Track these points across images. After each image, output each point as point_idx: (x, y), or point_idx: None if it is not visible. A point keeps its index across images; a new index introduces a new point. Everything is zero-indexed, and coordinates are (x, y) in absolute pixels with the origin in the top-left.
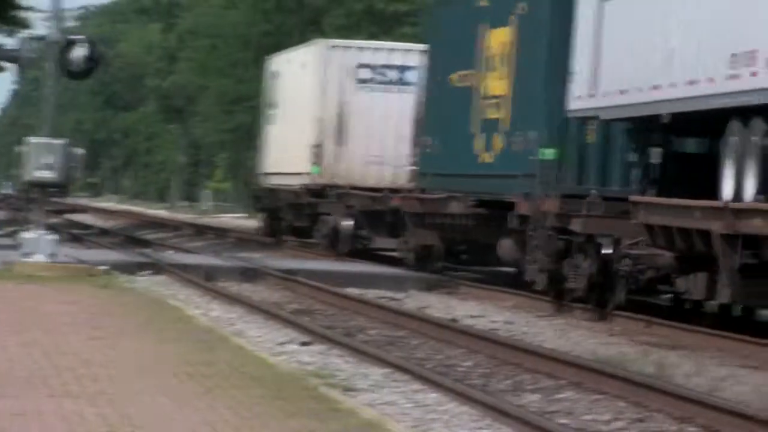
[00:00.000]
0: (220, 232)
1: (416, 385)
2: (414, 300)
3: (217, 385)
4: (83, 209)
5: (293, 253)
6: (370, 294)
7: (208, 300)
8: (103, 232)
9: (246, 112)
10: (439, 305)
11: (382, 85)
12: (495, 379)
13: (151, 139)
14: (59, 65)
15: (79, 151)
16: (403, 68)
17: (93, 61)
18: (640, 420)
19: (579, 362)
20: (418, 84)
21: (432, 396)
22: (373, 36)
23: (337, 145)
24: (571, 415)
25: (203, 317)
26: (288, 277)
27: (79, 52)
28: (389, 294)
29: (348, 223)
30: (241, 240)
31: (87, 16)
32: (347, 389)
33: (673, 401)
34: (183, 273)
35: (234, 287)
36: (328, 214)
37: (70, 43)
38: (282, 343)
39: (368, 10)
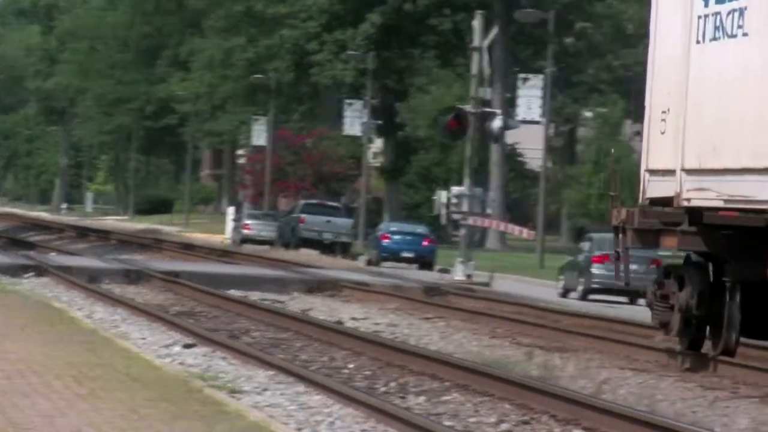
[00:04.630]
0: (103, 234)
1: (301, 387)
2: (297, 302)
3: (102, 387)
4: None
5: (175, 255)
6: (253, 296)
7: (91, 302)
8: None
9: (126, 114)
10: (322, 308)
11: None
12: (380, 381)
13: (32, 141)
14: None
15: None
16: None
17: None
18: (526, 422)
19: (464, 364)
20: None
21: (317, 398)
22: (252, 39)
23: None
24: (457, 417)
25: (87, 319)
26: (170, 279)
27: None
28: (272, 296)
29: None
30: (123, 242)
31: None
32: (232, 391)
33: (558, 403)
34: (66, 275)
35: (117, 289)
36: None
37: None
38: (166, 345)
39: (248, 12)
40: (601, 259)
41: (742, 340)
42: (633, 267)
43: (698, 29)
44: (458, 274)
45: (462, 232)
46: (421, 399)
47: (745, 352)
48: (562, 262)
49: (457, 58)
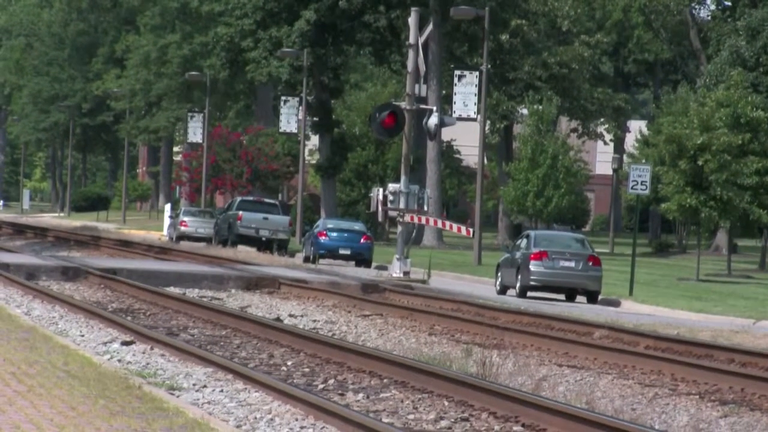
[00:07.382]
0: (40, 231)
1: (240, 384)
2: (236, 299)
3: (41, 384)
4: None
5: (112, 252)
6: (192, 293)
7: (29, 299)
8: None
9: (62, 111)
10: (261, 305)
11: None
12: (319, 378)
13: None
14: None
15: None
16: None
17: None
18: (465, 419)
19: (403, 361)
20: None
21: (255, 395)
22: (187, 36)
23: None
24: (396, 413)
25: (25, 316)
26: (109, 276)
27: None
28: (210, 293)
29: None
30: (60, 239)
31: None
32: (171, 388)
33: (497, 400)
34: (4, 272)
35: (55, 286)
36: None
37: None
38: (105, 343)
39: (183, 9)
40: (539, 256)
41: (677, 336)
42: (570, 264)
43: None
44: (396, 271)
45: (399, 229)
46: (360, 396)
47: (683, 349)
48: (499, 259)
49: (392, 55)
